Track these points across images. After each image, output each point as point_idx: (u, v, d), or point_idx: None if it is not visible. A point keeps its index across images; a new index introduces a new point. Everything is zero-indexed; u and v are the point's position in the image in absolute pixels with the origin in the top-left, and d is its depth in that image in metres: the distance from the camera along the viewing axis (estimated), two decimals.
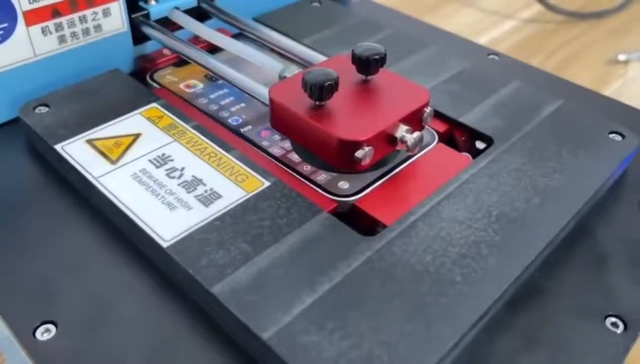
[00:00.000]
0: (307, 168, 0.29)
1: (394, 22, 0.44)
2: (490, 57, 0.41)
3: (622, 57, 0.68)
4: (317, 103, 0.27)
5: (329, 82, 0.26)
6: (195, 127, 0.30)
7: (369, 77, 0.29)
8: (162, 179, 0.27)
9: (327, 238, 0.24)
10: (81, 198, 0.28)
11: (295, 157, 0.30)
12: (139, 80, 0.34)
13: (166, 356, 0.22)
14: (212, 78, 0.35)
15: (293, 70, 0.31)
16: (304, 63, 0.35)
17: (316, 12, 0.43)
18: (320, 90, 0.26)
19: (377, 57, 0.28)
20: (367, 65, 0.28)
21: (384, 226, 0.26)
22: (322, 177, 0.29)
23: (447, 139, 0.32)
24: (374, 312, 0.22)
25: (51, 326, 0.23)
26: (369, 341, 0.21)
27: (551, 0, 0.76)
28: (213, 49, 0.37)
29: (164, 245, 0.24)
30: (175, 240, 0.24)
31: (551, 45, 0.71)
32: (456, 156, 0.30)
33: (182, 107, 0.32)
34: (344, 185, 0.28)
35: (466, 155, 0.31)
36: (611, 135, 0.31)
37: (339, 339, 0.21)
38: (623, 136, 0.31)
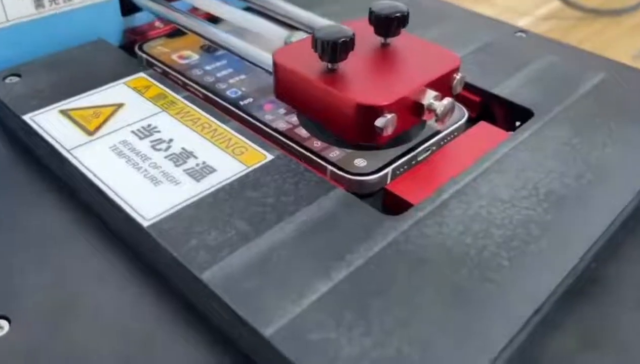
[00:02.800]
0: (317, 144, 0.25)
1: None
2: (518, 34, 0.37)
3: None
4: (330, 66, 0.23)
5: (344, 39, 0.22)
6: (188, 98, 0.26)
7: (389, 40, 0.25)
8: (146, 151, 0.23)
9: (343, 216, 0.20)
10: (52, 175, 0.24)
11: (303, 133, 0.26)
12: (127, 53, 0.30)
13: (146, 357, 0.17)
14: (210, 49, 0.32)
15: (301, 36, 0.27)
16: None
17: None
18: (334, 49, 0.22)
19: (398, 14, 0.24)
20: (387, 24, 0.24)
21: (411, 206, 0.22)
22: (335, 153, 0.24)
23: (478, 114, 0.28)
24: (402, 302, 0.17)
25: (3, 322, 0.18)
26: (397, 338, 0.16)
27: None
28: (211, 21, 0.33)
29: (145, 224, 0.19)
30: (158, 218, 0.20)
31: (569, 42, 0.68)
32: (492, 130, 0.26)
33: (176, 79, 0.28)
34: (360, 162, 0.24)
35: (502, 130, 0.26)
36: None
37: (360, 335, 0.16)
38: None
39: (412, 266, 0.18)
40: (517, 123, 0.27)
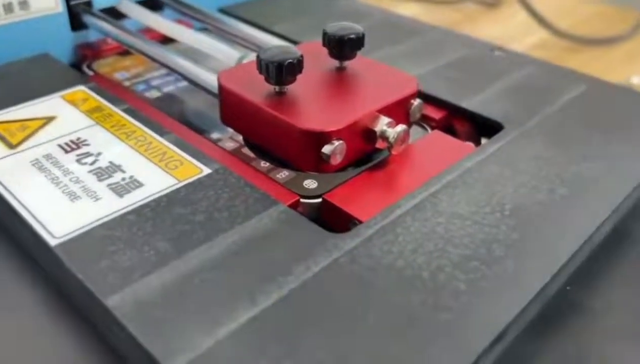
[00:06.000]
0: (264, 164, 0.23)
1: (384, 15, 0.38)
2: (497, 53, 0.35)
3: (636, 80, 0.63)
4: (277, 89, 0.22)
5: (290, 60, 0.21)
6: (127, 111, 0.24)
7: (344, 64, 0.24)
8: (70, 165, 0.20)
9: (281, 235, 0.18)
10: None
11: (250, 153, 0.24)
12: (76, 70, 0.28)
13: None
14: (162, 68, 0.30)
15: (254, 58, 0.25)
16: None
17: (293, 1, 0.38)
18: (279, 70, 0.21)
19: (352, 36, 0.23)
20: (341, 46, 0.23)
21: (360, 222, 0.19)
22: (283, 174, 0.22)
23: (443, 130, 0.26)
24: (339, 332, 0.15)
25: None
26: None
27: (559, 26, 0.71)
28: (166, 42, 0.31)
29: (52, 242, 0.17)
30: (68, 237, 0.17)
31: None
32: (455, 143, 0.24)
33: (119, 93, 0.26)
34: (311, 184, 0.22)
35: (468, 143, 0.24)
36: None
37: None
38: None
39: (355, 291, 0.16)
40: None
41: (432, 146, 0.24)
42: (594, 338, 0.17)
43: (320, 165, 0.21)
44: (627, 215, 0.21)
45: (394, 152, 0.21)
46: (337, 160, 0.20)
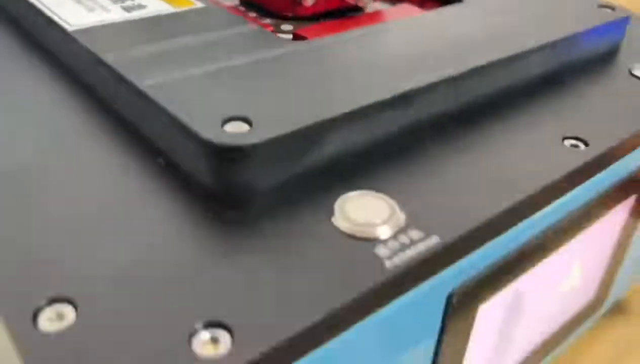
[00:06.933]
0: (252, 15, 0.27)
1: None
2: None
3: None
4: None
5: None
6: None
7: None
8: None
9: (250, 37, 0.22)
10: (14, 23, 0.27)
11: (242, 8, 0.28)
12: None
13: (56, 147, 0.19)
14: None
15: None
16: None
17: None
18: None
19: None
20: None
21: None
22: (265, 21, 0.26)
23: None
24: (282, 89, 0.19)
25: None
26: (255, 98, 0.18)
27: None
28: None
29: (69, 29, 0.22)
30: (82, 27, 0.22)
31: None
32: (421, 11, 0.28)
33: None
34: (287, 27, 0.26)
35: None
36: (600, 9, 0.28)
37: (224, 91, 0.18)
38: (613, 9, 0.28)
39: (296, 67, 0.20)
40: None
41: (399, 11, 0.27)
42: (500, 128, 0.21)
43: (295, 7, 0.25)
44: (566, 68, 0.25)
45: (360, 5, 0.25)
46: (308, 2, 0.24)
